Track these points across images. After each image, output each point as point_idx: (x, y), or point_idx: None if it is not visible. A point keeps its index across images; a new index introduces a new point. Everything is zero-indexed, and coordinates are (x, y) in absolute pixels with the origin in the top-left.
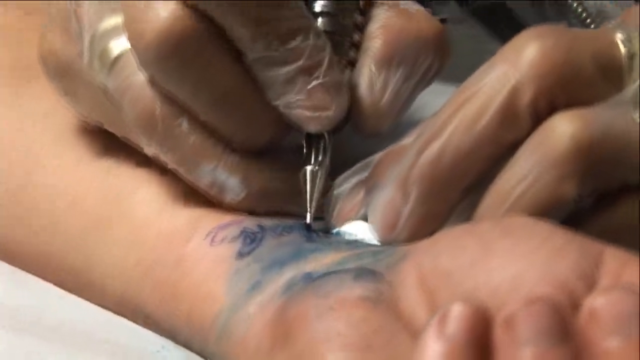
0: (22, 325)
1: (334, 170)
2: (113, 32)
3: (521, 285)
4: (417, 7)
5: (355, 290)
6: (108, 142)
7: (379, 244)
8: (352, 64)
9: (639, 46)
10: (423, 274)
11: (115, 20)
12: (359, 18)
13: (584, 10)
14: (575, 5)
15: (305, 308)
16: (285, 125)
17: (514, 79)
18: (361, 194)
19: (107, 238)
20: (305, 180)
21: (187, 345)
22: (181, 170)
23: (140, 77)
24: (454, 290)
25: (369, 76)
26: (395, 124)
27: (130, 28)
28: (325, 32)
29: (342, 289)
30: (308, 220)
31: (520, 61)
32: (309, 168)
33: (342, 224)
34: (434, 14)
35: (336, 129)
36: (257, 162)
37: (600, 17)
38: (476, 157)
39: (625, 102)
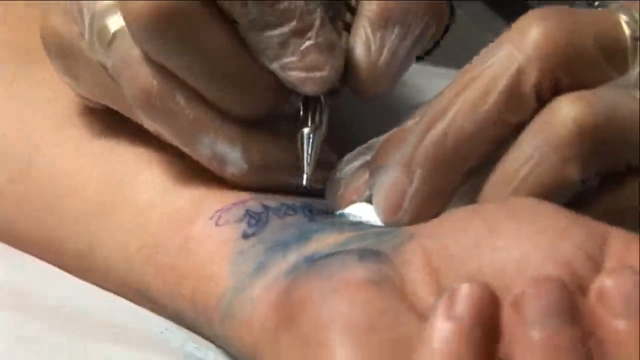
0: (24, 308)
1: (331, 133)
2: (111, 9)
3: (527, 266)
4: None
5: (359, 271)
6: (108, 126)
7: (383, 225)
8: (349, 27)
9: None
10: (428, 255)
11: None
12: None
13: None
14: None
15: (309, 289)
16: (282, 91)
17: (519, 60)
18: (365, 176)
19: (110, 223)
20: (302, 142)
21: (191, 327)
22: (181, 144)
23: (136, 53)
24: (459, 271)
25: (365, 38)
26: (393, 92)
27: (122, 3)
28: None
29: (346, 270)
30: (304, 182)
31: (524, 43)
32: (305, 130)
33: (346, 206)
34: None
35: (332, 92)
36: (256, 133)
37: None
38: (480, 138)
39: (629, 85)
